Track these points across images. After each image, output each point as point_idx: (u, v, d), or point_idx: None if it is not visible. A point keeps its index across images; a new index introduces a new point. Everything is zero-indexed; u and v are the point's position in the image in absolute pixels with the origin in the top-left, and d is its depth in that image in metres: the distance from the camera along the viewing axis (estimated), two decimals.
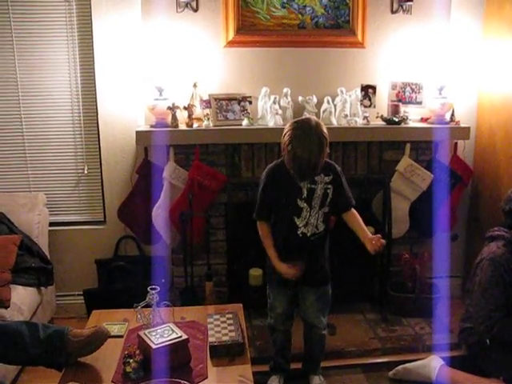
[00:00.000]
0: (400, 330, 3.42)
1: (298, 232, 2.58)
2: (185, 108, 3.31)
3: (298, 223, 2.57)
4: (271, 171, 2.61)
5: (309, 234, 2.59)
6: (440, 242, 3.65)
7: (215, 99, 3.38)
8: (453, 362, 2.93)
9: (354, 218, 2.65)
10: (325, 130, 2.43)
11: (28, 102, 3.48)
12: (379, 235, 2.53)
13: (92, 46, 3.39)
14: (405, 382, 2.90)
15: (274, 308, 2.78)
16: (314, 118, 2.54)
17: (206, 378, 2.11)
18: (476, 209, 3.81)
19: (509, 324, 2.67)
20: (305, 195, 2.54)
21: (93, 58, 3.41)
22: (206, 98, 3.37)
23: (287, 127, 2.45)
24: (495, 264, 2.71)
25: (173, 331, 2.20)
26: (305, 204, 2.55)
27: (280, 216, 2.62)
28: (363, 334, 3.36)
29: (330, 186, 2.57)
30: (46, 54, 3.42)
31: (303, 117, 2.67)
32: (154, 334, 2.18)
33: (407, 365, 2.93)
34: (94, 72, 3.43)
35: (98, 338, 2.19)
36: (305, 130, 2.40)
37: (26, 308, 2.88)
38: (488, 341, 2.75)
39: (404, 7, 3.50)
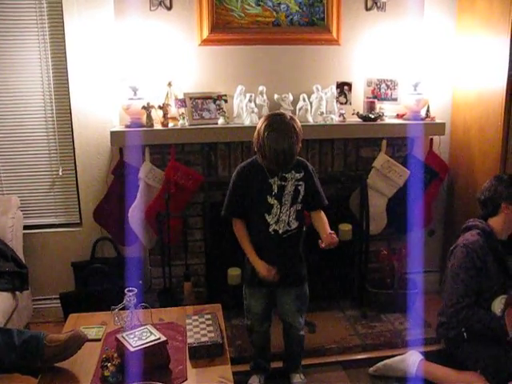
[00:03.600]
0: (379, 326, 3.44)
1: (270, 229, 2.58)
2: (160, 107, 3.28)
3: (268, 220, 2.57)
4: (242, 169, 2.63)
5: (281, 232, 2.58)
6: (417, 238, 3.68)
7: (190, 98, 3.35)
8: (432, 356, 2.97)
9: (320, 218, 2.65)
10: (298, 124, 2.49)
11: None
12: (333, 232, 2.55)
13: (64, 45, 3.34)
14: (385, 377, 2.92)
15: (251, 309, 2.77)
16: (285, 112, 2.61)
17: (186, 379, 2.09)
18: (452, 204, 3.84)
19: (475, 313, 2.71)
20: (275, 191, 2.55)
21: (65, 57, 3.36)
22: (181, 97, 3.35)
23: (262, 120, 2.50)
24: (468, 250, 2.77)
25: (151, 333, 2.18)
26: (275, 201, 2.55)
27: (252, 214, 2.62)
28: (343, 331, 3.37)
29: (301, 183, 2.59)
30: (17, 53, 3.35)
31: (275, 111, 2.71)
32: (131, 336, 2.16)
33: (387, 361, 2.95)
34: (66, 72, 3.38)
35: (75, 343, 2.15)
36: (280, 121, 2.45)
37: (0, 313, 2.82)
38: (465, 334, 2.79)
39: (378, 4, 3.50)
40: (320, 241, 2.53)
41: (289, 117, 2.49)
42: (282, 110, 3.28)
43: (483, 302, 2.77)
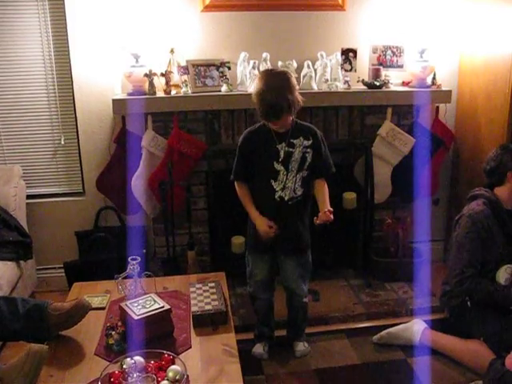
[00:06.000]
0: (383, 294, 3.45)
1: (276, 196, 2.57)
2: (162, 75, 3.24)
3: (275, 187, 2.56)
4: (249, 134, 2.62)
5: (286, 198, 2.58)
6: (422, 207, 3.66)
7: (193, 65, 3.31)
8: (435, 325, 2.98)
9: (322, 188, 2.63)
10: (293, 79, 2.50)
11: None
12: (331, 209, 2.52)
13: (64, 11, 3.26)
14: (389, 346, 2.93)
15: (254, 276, 2.77)
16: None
17: (190, 347, 2.10)
18: (457, 172, 3.81)
19: (479, 283, 2.72)
20: (282, 158, 2.53)
21: (65, 24, 3.29)
22: (183, 64, 3.30)
23: (257, 77, 2.55)
24: (473, 220, 2.76)
25: (155, 301, 2.19)
26: (281, 167, 2.54)
27: (258, 180, 2.61)
28: (347, 300, 3.38)
29: (309, 150, 2.57)
30: (16, 20, 3.29)
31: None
32: (135, 304, 2.16)
33: (391, 329, 2.96)
34: (67, 39, 3.32)
35: (79, 311, 2.16)
36: (272, 73, 2.52)
37: (5, 283, 2.83)
38: (469, 303, 2.79)
39: None
40: (315, 217, 2.51)
41: (283, 70, 2.56)
42: None
43: (488, 271, 2.77)
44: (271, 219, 2.59)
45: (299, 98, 2.48)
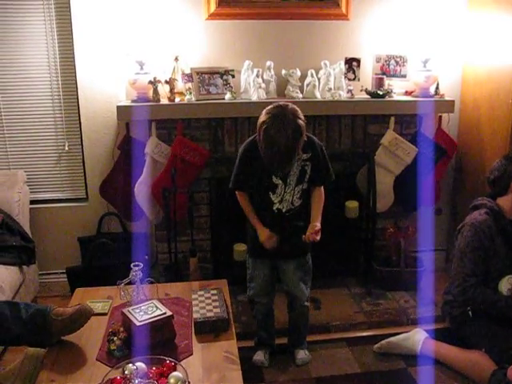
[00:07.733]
0: (385, 303, 3.44)
1: (274, 208, 2.58)
2: (166, 82, 3.25)
3: (273, 199, 2.57)
4: (248, 147, 2.58)
5: (284, 210, 2.58)
6: (424, 216, 3.66)
7: (197, 73, 3.32)
8: (437, 335, 2.97)
9: (317, 197, 2.63)
10: (301, 120, 2.35)
11: (4, 77, 3.38)
12: (319, 228, 2.51)
13: (70, 18, 3.28)
14: (390, 355, 2.92)
15: (254, 279, 2.77)
16: (290, 105, 2.40)
17: (191, 354, 2.10)
18: (460, 182, 3.82)
19: (482, 293, 2.72)
20: (280, 172, 2.52)
21: (71, 31, 3.31)
22: (187, 71, 3.32)
23: (263, 114, 2.38)
24: (476, 229, 2.76)
25: (157, 308, 2.19)
26: (280, 181, 2.54)
27: (256, 191, 2.61)
28: (348, 308, 3.37)
29: (308, 163, 2.56)
30: (23, 27, 3.31)
31: (280, 103, 2.44)
32: (137, 311, 2.17)
33: (391, 338, 2.95)
34: (72, 46, 3.34)
35: (81, 316, 2.16)
36: (279, 123, 2.31)
37: (8, 287, 2.84)
38: (470, 313, 2.79)
39: None
40: (304, 235, 2.51)
41: (291, 115, 2.33)
42: (289, 87, 3.29)
43: (490, 281, 2.77)
44: (269, 228, 2.60)
45: (305, 137, 2.42)
